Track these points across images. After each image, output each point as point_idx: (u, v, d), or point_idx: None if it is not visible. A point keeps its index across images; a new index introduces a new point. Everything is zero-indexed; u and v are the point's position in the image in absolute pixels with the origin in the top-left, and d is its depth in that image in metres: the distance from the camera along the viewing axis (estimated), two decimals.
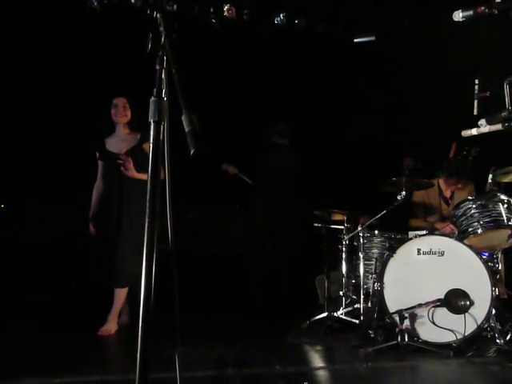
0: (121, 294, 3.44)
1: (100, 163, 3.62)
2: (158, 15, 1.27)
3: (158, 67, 1.24)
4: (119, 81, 4.50)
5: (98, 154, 3.61)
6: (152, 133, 1.22)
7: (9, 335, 3.27)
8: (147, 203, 1.21)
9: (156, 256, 1.20)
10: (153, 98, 1.23)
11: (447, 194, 4.15)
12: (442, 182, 4.13)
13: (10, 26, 4.77)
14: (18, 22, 4.82)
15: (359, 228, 3.73)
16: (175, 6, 4.92)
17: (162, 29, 1.25)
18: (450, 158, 4.06)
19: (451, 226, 3.74)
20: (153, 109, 1.22)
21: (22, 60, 4.82)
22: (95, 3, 5.21)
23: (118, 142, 3.56)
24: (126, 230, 3.41)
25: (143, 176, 3.34)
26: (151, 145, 1.23)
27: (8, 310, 3.96)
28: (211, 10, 5.66)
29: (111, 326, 3.40)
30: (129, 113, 3.53)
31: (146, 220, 1.21)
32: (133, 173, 3.40)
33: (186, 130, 1.10)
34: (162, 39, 1.23)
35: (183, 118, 1.11)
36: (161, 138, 1.20)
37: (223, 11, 5.64)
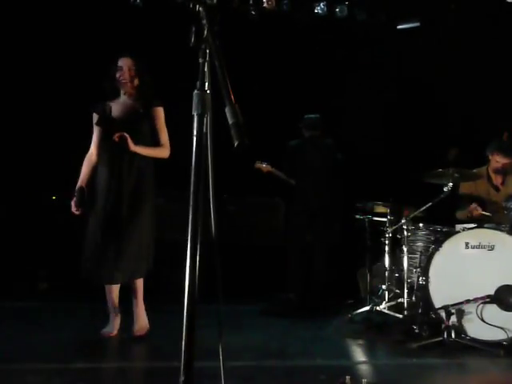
0: (141, 283, 2.99)
1: (96, 128, 3.05)
2: (200, 9, 1.27)
3: (200, 60, 1.24)
4: (164, 75, 4.56)
5: (95, 117, 3.04)
6: (195, 126, 1.23)
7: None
8: (191, 196, 1.22)
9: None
10: (196, 91, 1.24)
11: (497, 180, 3.96)
12: (493, 163, 3.87)
13: (52, 21, 4.92)
14: (61, 18, 4.97)
15: (403, 220, 3.63)
16: None
17: (204, 22, 1.25)
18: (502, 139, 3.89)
19: (475, 206, 3.64)
20: (196, 102, 1.23)
21: (63, 56, 4.98)
22: (138, 0, 5.31)
23: (122, 109, 3.02)
24: (136, 213, 2.90)
25: (144, 151, 2.92)
26: (194, 138, 1.24)
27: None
28: (250, 2, 5.64)
29: (145, 323, 2.96)
30: (136, 79, 2.99)
31: (190, 212, 1.23)
32: (133, 148, 2.86)
33: (230, 122, 1.10)
34: (205, 32, 1.23)
35: (227, 110, 1.11)
36: (204, 130, 1.21)
37: (262, 2, 5.62)
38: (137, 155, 2.90)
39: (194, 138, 1.24)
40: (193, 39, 1.26)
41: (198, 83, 1.24)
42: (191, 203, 1.22)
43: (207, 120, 1.22)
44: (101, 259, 2.85)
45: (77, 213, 2.94)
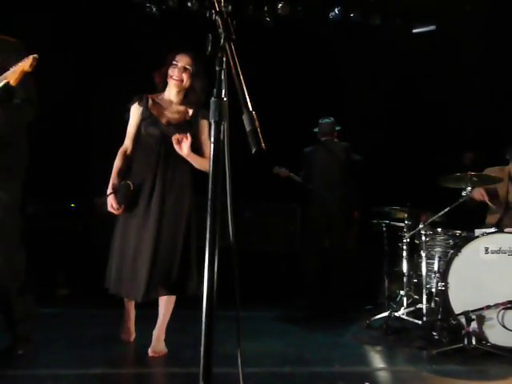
0: (169, 304, 2.69)
1: (134, 122, 2.74)
2: (217, 17, 1.29)
3: (217, 68, 1.26)
4: None
5: (135, 109, 2.75)
6: (213, 133, 1.24)
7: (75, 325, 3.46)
8: (209, 202, 1.24)
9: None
10: (213, 99, 1.25)
11: None
12: None
13: (75, 30, 5.03)
14: (80, 27, 5.07)
15: (421, 225, 3.60)
16: (230, 7, 5.00)
17: (220, 30, 1.27)
18: None
19: (482, 191, 3.58)
20: (213, 109, 1.25)
21: (85, 66, 5.07)
22: (154, 9, 5.40)
23: (166, 109, 2.75)
24: (177, 222, 2.64)
25: (196, 159, 2.63)
26: (212, 145, 1.26)
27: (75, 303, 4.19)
28: (265, 9, 5.68)
29: (161, 348, 2.68)
30: (188, 81, 2.70)
31: (208, 218, 1.24)
32: (188, 154, 2.57)
33: (247, 129, 1.11)
34: (221, 41, 1.25)
35: (244, 117, 1.12)
36: (221, 137, 1.23)
37: (277, 9, 5.65)
38: (182, 164, 2.64)
39: (212, 145, 1.25)
40: (209, 47, 1.28)
41: (215, 91, 1.26)
42: (209, 209, 1.23)
43: (224, 127, 1.24)
44: (134, 272, 2.55)
45: (117, 212, 2.60)
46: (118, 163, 2.71)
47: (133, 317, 2.90)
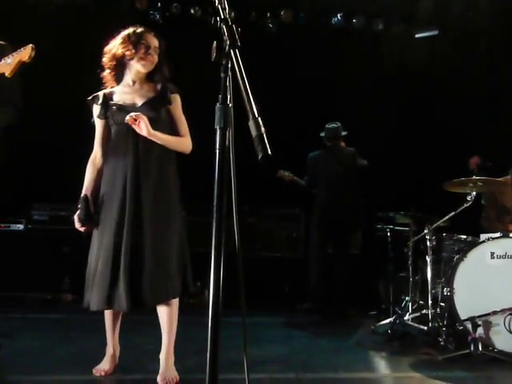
0: (172, 314, 2.37)
1: (99, 123, 2.45)
2: (222, 24, 1.30)
3: (222, 75, 1.27)
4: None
5: (96, 111, 2.45)
6: (218, 139, 1.25)
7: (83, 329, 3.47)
8: (214, 208, 1.24)
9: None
10: (218, 105, 1.26)
11: None
12: None
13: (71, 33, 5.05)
14: (83, 33, 5.09)
15: (426, 230, 3.58)
16: (233, 13, 5.03)
17: (225, 37, 1.27)
18: None
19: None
20: (218, 115, 1.25)
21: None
22: (157, 16, 5.44)
23: (129, 92, 2.45)
24: (159, 222, 2.32)
25: (165, 138, 2.37)
26: (217, 151, 1.26)
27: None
28: (268, 15, 5.72)
29: (171, 374, 2.36)
30: (156, 60, 2.44)
31: (214, 224, 1.24)
32: (148, 130, 2.28)
33: (253, 135, 1.11)
34: (226, 47, 1.26)
35: (250, 123, 1.12)
36: (226, 144, 1.23)
37: (280, 15, 5.68)
38: (155, 148, 2.34)
39: (217, 152, 1.26)
40: (214, 54, 1.29)
41: (220, 97, 1.27)
42: (215, 215, 1.23)
43: (229, 133, 1.24)
44: (113, 284, 2.24)
45: (81, 229, 2.38)
46: (87, 174, 2.46)
47: (116, 341, 2.52)
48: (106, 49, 2.44)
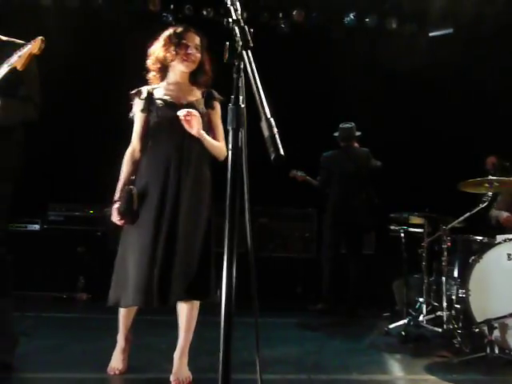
0: (192, 315, 2.36)
1: (140, 117, 2.42)
2: (234, 25, 1.30)
3: (235, 76, 1.27)
4: None
5: (139, 105, 2.42)
6: (231, 140, 1.25)
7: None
8: (227, 208, 1.24)
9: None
10: (231, 106, 1.26)
11: None
12: None
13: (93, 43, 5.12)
14: (100, 37, 5.15)
15: (440, 231, 3.54)
16: (245, 14, 5.03)
17: (238, 38, 1.28)
18: None
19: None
20: (231, 116, 1.26)
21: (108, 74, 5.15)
22: (170, 18, 5.47)
23: (174, 90, 2.44)
24: (194, 221, 2.31)
25: (210, 140, 2.39)
26: (230, 152, 1.27)
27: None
28: (280, 15, 5.71)
29: (184, 375, 2.35)
30: (199, 59, 2.44)
31: (226, 224, 1.25)
32: (198, 131, 2.28)
33: (266, 135, 1.11)
34: (239, 48, 1.26)
35: (262, 123, 1.13)
36: (239, 144, 1.24)
37: (292, 15, 5.67)
38: (197, 148, 2.34)
39: (230, 152, 1.26)
40: (227, 55, 1.30)
41: (233, 98, 1.27)
42: (227, 216, 1.24)
43: (242, 134, 1.25)
44: (151, 278, 2.23)
45: (120, 223, 2.32)
46: (124, 168, 2.41)
47: (129, 339, 2.53)
48: (150, 51, 2.46)
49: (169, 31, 2.45)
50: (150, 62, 2.46)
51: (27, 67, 2.16)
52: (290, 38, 5.64)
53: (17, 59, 2.09)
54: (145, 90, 2.43)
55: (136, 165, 2.42)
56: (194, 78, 2.48)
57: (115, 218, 2.32)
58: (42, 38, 2.09)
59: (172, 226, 2.28)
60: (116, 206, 2.32)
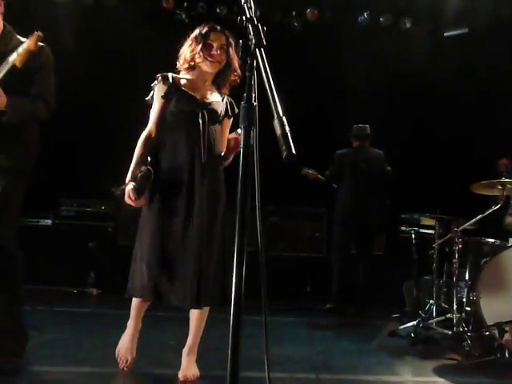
0: (207, 312, 2.40)
1: (160, 102, 2.37)
2: (248, 23, 1.30)
3: (247, 74, 1.27)
4: None
5: (161, 90, 2.37)
6: (242, 138, 1.25)
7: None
8: (238, 206, 1.24)
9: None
10: (243, 104, 1.27)
11: None
12: None
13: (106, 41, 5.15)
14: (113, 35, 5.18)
15: (452, 233, 3.51)
16: (258, 12, 5.02)
17: (251, 36, 1.28)
18: None
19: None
20: (243, 114, 1.26)
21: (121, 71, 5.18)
22: (183, 15, 5.48)
23: (198, 87, 2.42)
24: (215, 220, 2.33)
25: (229, 155, 2.47)
26: (241, 150, 1.27)
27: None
28: (293, 14, 5.70)
29: (192, 372, 2.39)
30: (224, 59, 2.40)
31: (237, 223, 1.25)
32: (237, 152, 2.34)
33: (278, 134, 1.11)
34: (252, 47, 1.26)
35: (274, 122, 1.12)
36: (251, 142, 1.24)
37: (305, 14, 5.66)
38: (217, 147, 2.39)
39: (241, 150, 1.26)
40: (240, 53, 1.30)
41: (245, 96, 1.27)
42: (238, 214, 1.24)
43: (254, 132, 1.25)
44: (181, 276, 2.25)
45: (135, 204, 2.25)
46: (139, 149, 2.34)
47: (137, 331, 2.51)
48: (180, 52, 2.45)
49: (195, 31, 2.43)
50: (178, 64, 2.45)
51: (41, 65, 2.18)
52: (302, 36, 5.63)
53: (15, 57, 2.11)
54: (171, 76, 2.39)
55: (151, 147, 2.37)
56: (217, 78, 2.46)
57: (132, 196, 2.24)
58: (37, 34, 2.10)
59: (196, 220, 2.26)
60: (130, 186, 2.25)
